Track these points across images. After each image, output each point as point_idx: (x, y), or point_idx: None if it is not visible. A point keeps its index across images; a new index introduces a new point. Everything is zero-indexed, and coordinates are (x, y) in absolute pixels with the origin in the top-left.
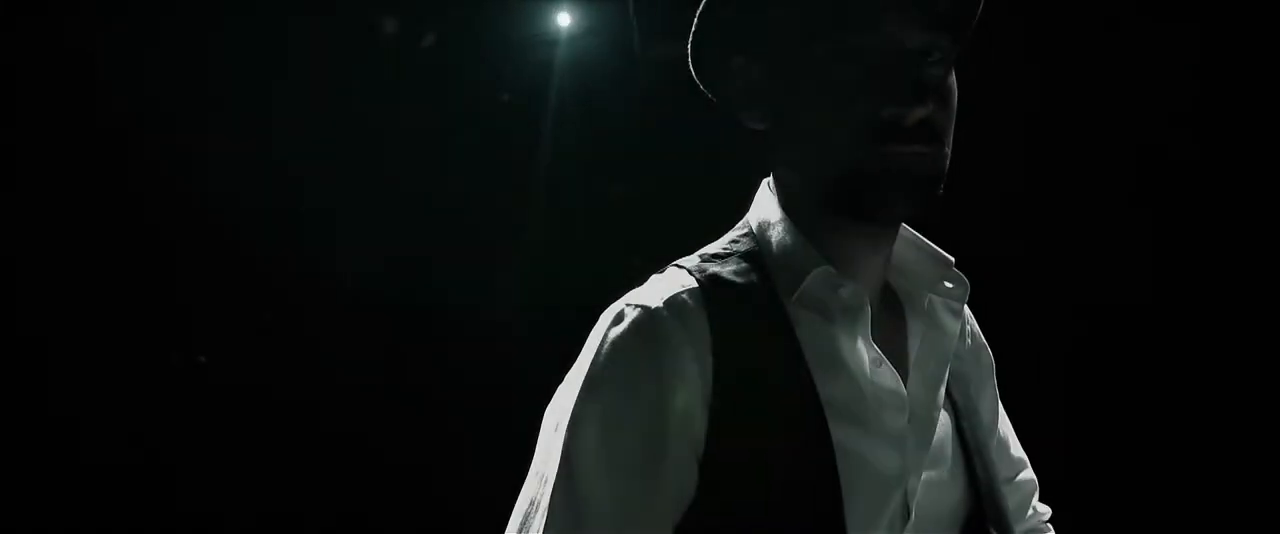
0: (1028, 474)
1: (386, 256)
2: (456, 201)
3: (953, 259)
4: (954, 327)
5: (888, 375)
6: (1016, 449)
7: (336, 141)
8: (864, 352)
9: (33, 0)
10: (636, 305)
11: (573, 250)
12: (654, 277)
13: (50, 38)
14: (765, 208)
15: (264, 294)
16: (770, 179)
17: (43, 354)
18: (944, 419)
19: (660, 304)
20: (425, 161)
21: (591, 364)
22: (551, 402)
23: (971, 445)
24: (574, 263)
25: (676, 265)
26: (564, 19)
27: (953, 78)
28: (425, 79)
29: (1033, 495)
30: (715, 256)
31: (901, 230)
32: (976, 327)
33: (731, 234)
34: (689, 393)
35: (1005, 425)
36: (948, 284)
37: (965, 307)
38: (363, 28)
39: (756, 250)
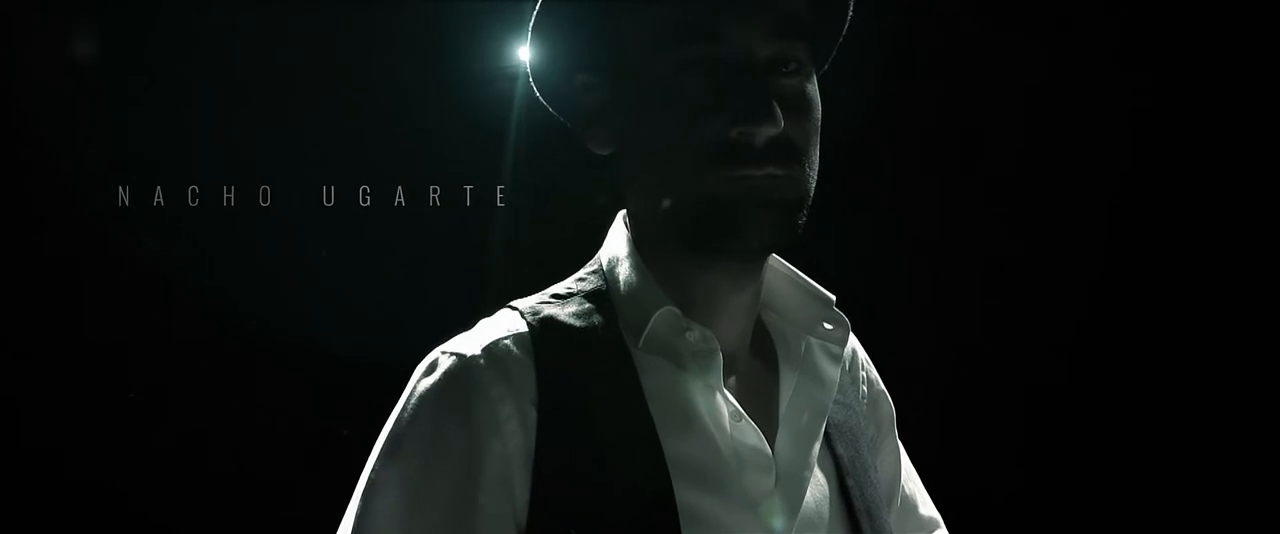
0: None
1: (341, 298)
2: (416, 238)
3: (833, 297)
4: (832, 373)
5: (749, 431)
6: (926, 507)
7: (291, 176)
8: (722, 405)
9: None
10: (451, 353)
11: (537, 282)
12: (483, 320)
13: None
14: (615, 242)
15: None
16: (625, 211)
17: None
18: (820, 479)
19: (478, 351)
20: (380, 195)
21: (395, 421)
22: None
23: (859, 507)
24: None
25: (511, 307)
26: (525, 53)
27: (813, 90)
28: (383, 112)
29: None
30: (556, 297)
31: (775, 264)
32: (874, 373)
33: (581, 272)
34: (507, 454)
35: (912, 482)
36: (826, 325)
37: (862, 352)
38: (318, 59)
39: (603, 290)
